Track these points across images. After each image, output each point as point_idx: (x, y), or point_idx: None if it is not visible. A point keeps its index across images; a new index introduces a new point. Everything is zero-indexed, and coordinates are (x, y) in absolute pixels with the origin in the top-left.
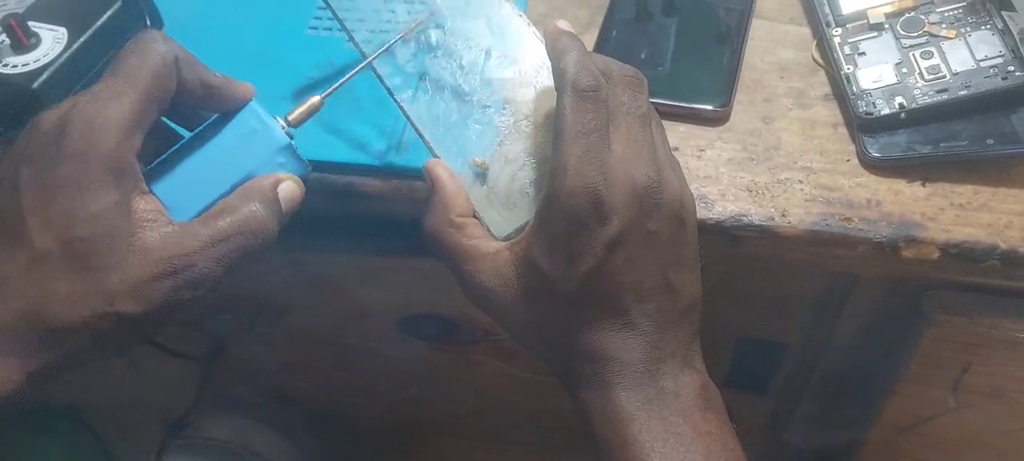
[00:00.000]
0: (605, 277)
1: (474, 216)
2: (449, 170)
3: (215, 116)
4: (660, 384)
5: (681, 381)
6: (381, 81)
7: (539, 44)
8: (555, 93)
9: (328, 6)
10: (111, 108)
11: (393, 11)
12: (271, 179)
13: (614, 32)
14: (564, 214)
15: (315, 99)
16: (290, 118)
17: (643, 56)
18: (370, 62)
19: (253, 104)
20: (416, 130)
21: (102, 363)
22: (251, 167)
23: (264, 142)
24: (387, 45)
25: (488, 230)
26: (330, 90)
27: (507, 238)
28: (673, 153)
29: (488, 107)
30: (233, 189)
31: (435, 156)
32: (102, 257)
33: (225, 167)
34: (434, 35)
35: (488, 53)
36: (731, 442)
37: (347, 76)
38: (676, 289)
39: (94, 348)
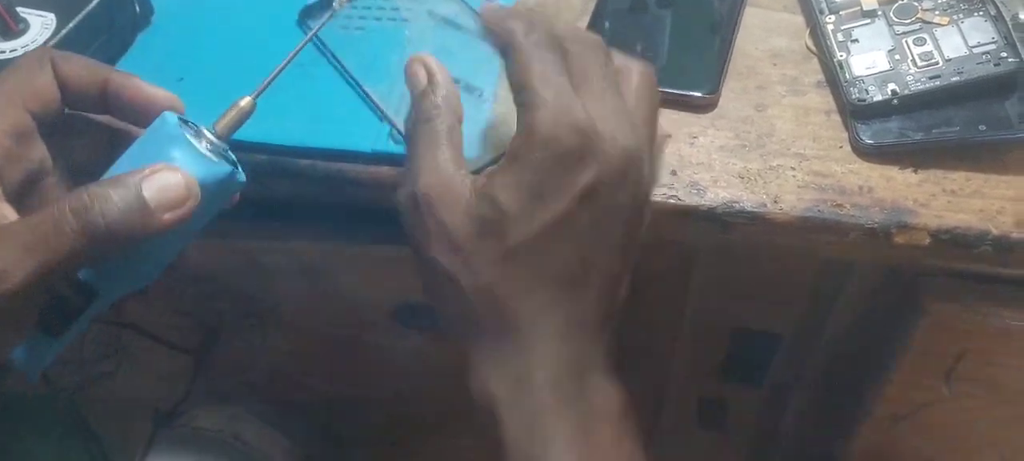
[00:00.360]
0: (564, 233)
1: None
2: (452, 108)
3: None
4: (590, 399)
5: (608, 398)
6: (351, 76)
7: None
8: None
9: None
10: None
11: None
12: (139, 170)
13: (606, 23)
14: (545, 144)
15: (244, 101)
16: (218, 127)
17: (637, 46)
18: (310, 39)
19: (167, 112)
20: (387, 120)
21: None
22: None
23: (160, 136)
24: (324, 20)
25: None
26: (259, 89)
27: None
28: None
29: (480, 77)
30: None
31: (399, 133)
32: None
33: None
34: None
35: (448, 42)
36: None
37: (279, 67)
38: (619, 282)
39: None
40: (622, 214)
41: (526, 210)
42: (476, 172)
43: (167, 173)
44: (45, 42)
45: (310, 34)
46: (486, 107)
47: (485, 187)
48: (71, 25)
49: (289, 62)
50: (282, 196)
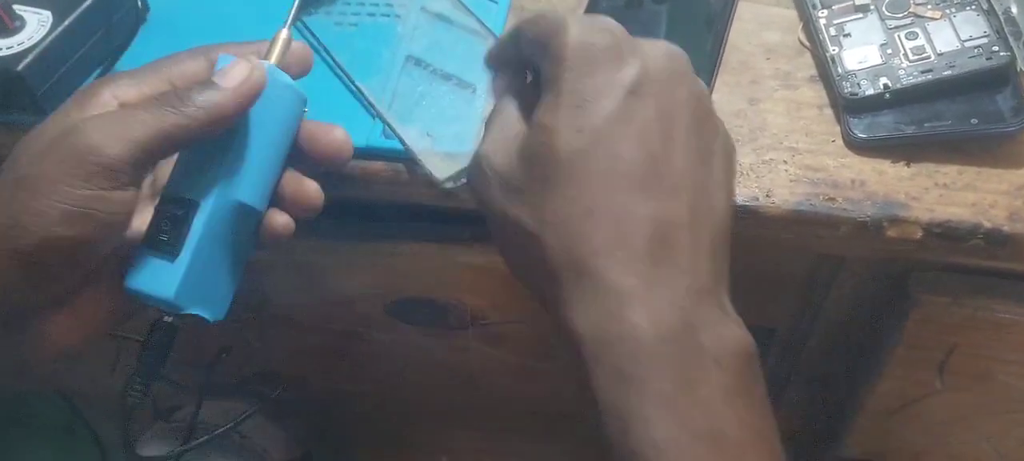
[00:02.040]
0: (623, 128)
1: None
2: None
3: None
4: (698, 338)
5: (724, 339)
6: (340, 68)
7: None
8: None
9: None
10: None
11: None
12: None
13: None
14: (573, 60)
15: (283, 32)
16: (269, 59)
17: (632, 17)
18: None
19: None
20: (376, 112)
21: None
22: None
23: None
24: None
25: (430, 174)
26: (290, 19)
27: (449, 179)
28: None
29: (438, 77)
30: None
31: (397, 138)
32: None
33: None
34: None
35: (442, 35)
36: (778, 447)
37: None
38: (710, 194)
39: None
40: (689, 110)
41: (573, 122)
42: (452, 184)
43: (233, 64)
44: (41, 39)
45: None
46: (479, 104)
47: (532, 121)
48: (67, 22)
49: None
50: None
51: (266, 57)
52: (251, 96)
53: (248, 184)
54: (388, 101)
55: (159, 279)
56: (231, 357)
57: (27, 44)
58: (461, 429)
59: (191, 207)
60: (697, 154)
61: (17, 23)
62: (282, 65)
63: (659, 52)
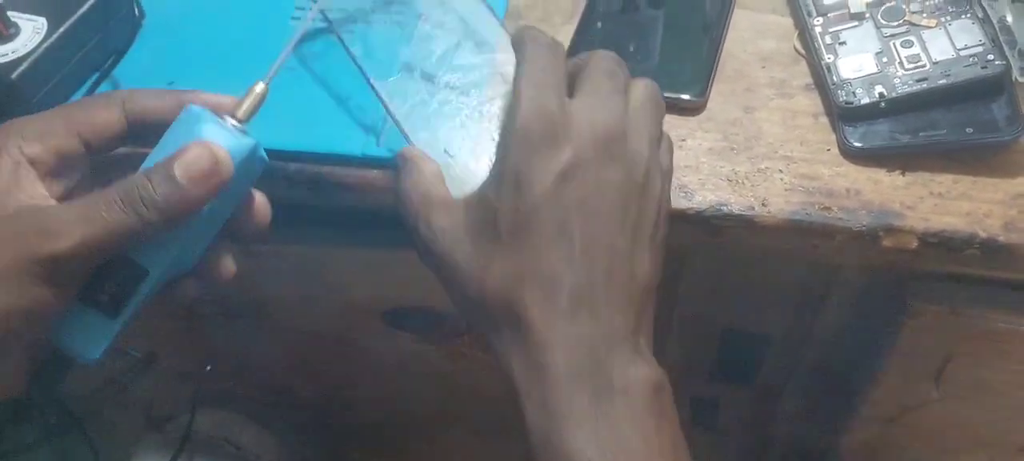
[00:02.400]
0: (550, 213)
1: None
2: (423, 153)
3: None
4: (608, 375)
5: (631, 375)
6: (360, 69)
7: (507, 39)
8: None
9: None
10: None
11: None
12: (172, 156)
13: (598, 23)
14: (516, 143)
15: (258, 86)
16: (238, 113)
17: (629, 46)
18: (317, 13)
19: (190, 106)
20: (392, 117)
21: None
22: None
23: (189, 124)
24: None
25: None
26: (270, 73)
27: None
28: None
29: (454, 89)
30: None
31: (410, 144)
32: None
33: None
34: (410, 23)
35: (459, 44)
36: None
37: (283, 54)
38: (631, 260)
39: None
40: (614, 189)
41: (511, 199)
42: None
43: (197, 149)
44: (36, 46)
45: (316, 8)
46: (475, 109)
47: (474, 196)
48: (63, 28)
49: (297, 43)
50: (270, 199)
51: (237, 111)
52: (215, 190)
53: (199, 253)
54: (405, 111)
55: (91, 337)
56: (226, 365)
57: (21, 52)
58: (456, 436)
59: (141, 275)
60: (620, 226)
61: (12, 30)
62: (245, 114)
63: (595, 134)
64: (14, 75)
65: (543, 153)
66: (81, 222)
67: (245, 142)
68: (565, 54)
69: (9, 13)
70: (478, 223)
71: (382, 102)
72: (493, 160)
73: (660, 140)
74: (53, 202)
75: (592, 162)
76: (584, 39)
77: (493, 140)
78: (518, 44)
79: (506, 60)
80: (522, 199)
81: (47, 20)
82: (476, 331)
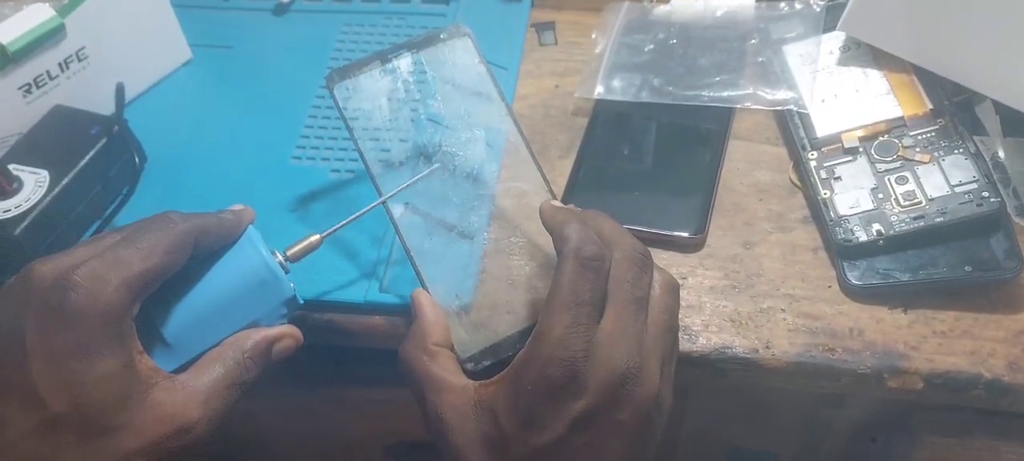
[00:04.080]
0: (559, 454)
1: (450, 346)
2: (431, 300)
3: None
4: None
5: None
6: (390, 216)
7: (532, 165)
8: (539, 219)
9: (352, 137)
10: (118, 275)
11: (399, 123)
12: (268, 336)
13: (598, 130)
14: (536, 379)
15: (314, 238)
16: (289, 254)
17: (623, 151)
18: (384, 201)
19: (259, 247)
20: (409, 258)
21: None
22: (256, 316)
23: (271, 294)
24: (401, 188)
25: (454, 352)
26: (330, 231)
27: (470, 359)
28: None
29: (473, 222)
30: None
31: (423, 285)
32: (113, 418)
33: (231, 314)
34: (430, 142)
35: (481, 167)
36: None
37: (357, 215)
38: None
39: None
40: (622, 430)
41: (521, 433)
42: (472, 366)
43: (290, 340)
44: (39, 200)
45: (383, 198)
46: (477, 252)
47: (487, 401)
48: (65, 181)
49: (362, 215)
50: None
51: (289, 251)
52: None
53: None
54: (419, 246)
55: None
56: None
57: (25, 207)
58: None
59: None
60: (621, 457)
61: (15, 185)
62: (294, 256)
63: (613, 379)
64: (17, 231)
65: (559, 399)
66: (206, 409)
67: (288, 286)
68: (605, 267)
69: (10, 167)
70: (486, 437)
71: (404, 245)
72: (502, 315)
73: (674, 357)
74: (149, 362)
75: (606, 408)
76: (585, 160)
77: (500, 276)
78: (558, 238)
79: (522, 192)
80: (533, 436)
81: (49, 173)
82: None
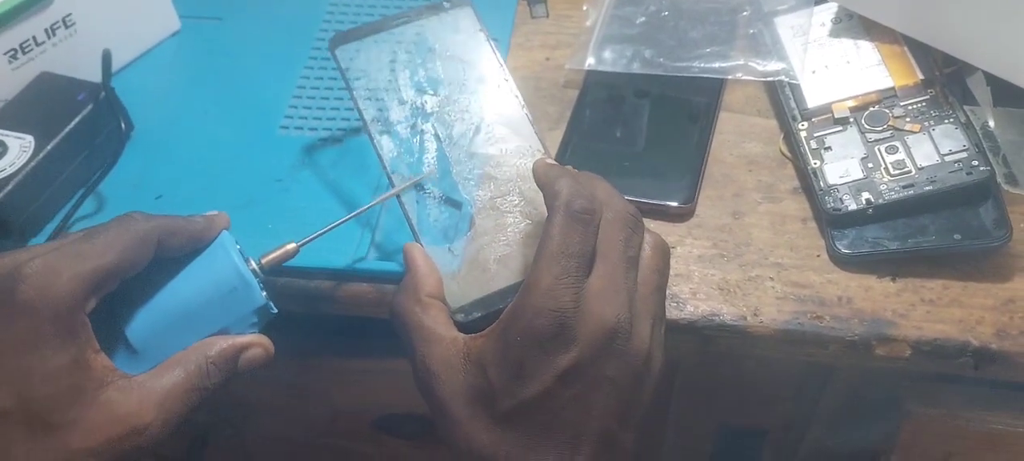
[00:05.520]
0: (547, 407)
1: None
2: (424, 252)
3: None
4: None
5: None
6: (388, 177)
7: (529, 128)
8: (532, 177)
9: (353, 98)
10: (70, 268)
11: (398, 86)
12: (236, 344)
13: (587, 112)
14: (525, 329)
15: (290, 246)
16: (263, 262)
17: (615, 133)
18: (396, 193)
19: (231, 253)
20: (404, 212)
21: None
22: (225, 323)
23: (242, 302)
24: (409, 182)
25: (445, 304)
26: (306, 240)
27: (460, 310)
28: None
29: (468, 181)
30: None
31: (416, 238)
32: (62, 415)
33: (200, 320)
34: (429, 102)
35: (477, 129)
36: None
37: (361, 209)
38: (616, 445)
39: None
40: (611, 385)
41: (510, 385)
42: (462, 317)
43: (259, 350)
44: (24, 165)
45: (390, 193)
46: (470, 210)
47: (475, 353)
48: (50, 146)
49: (355, 216)
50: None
51: (263, 259)
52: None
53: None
54: (413, 203)
55: None
56: None
57: (9, 171)
58: None
59: None
60: (613, 415)
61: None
62: (268, 264)
63: (602, 333)
64: (1, 195)
65: (548, 350)
66: (161, 411)
67: (260, 295)
68: (595, 221)
69: None
70: (475, 389)
71: (399, 201)
72: (493, 269)
73: (664, 319)
74: (105, 360)
75: (594, 361)
76: (575, 131)
77: (492, 230)
78: (549, 194)
79: (519, 151)
80: (521, 387)
81: (34, 138)
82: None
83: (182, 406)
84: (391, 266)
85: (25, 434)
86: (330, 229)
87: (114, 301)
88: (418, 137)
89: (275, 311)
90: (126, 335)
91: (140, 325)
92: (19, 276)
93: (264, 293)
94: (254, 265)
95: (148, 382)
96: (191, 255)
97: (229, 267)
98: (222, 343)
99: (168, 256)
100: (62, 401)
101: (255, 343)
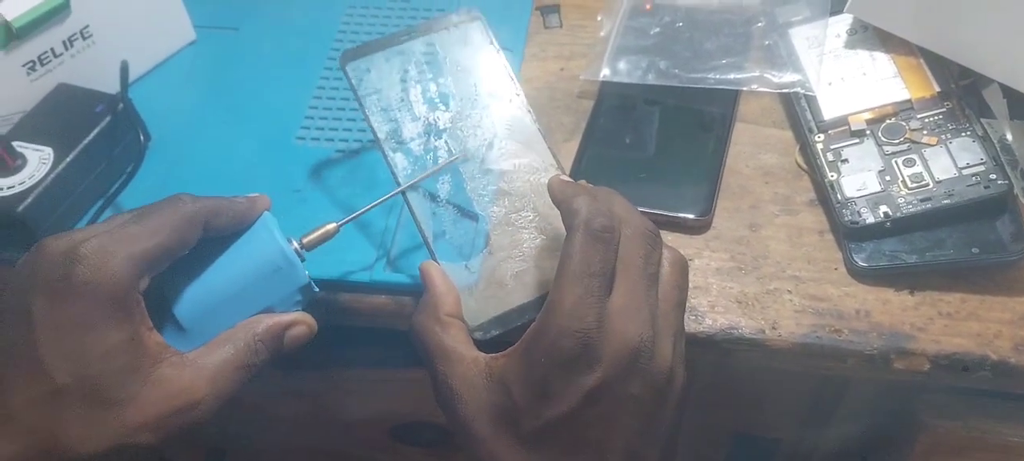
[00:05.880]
0: (572, 427)
1: (461, 317)
2: (441, 271)
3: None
4: None
5: None
6: (403, 194)
7: (542, 143)
8: (547, 193)
9: (364, 114)
10: (124, 248)
11: (410, 101)
12: (281, 322)
13: (601, 120)
14: (549, 350)
15: (331, 226)
16: (305, 242)
17: (625, 140)
18: (403, 190)
19: (274, 234)
20: (420, 231)
21: None
22: (270, 302)
23: (286, 281)
24: (420, 177)
25: (464, 322)
26: (347, 220)
27: (479, 328)
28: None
29: (483, 196)
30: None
31: (433, 257)
32: (118, 391)
33: (245, 299)
34: (441, 118)
35: (490, 144)
36: None
37: (375, 203)
38: (645, 457)
39: None
40: (635, 403)
41: (534, 406)
42: (481, 335)
43: (303, 328)
44: (42, 178)
45: (400, 189)
46: (486, 226)
47: (498, 373)
48: (69, 158)
49: (380, 204)
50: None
51: (305, 238)
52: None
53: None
54: (429, 218)
55: None
56: None
57: (28, 183)
58: None
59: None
60: (637, 434)
61: (18, 162)
62: (310, 244)
63: (626, 351)
64: (20, 208)
65: (573, 370)
66: (213, 387)
67: (303, 274)
68: (615, 239)
69: (14, 143)
70: (498, 408)
71: (413, 216)
72: (511, 286)
73: (684, 334)
74: (158, 338)
75: (619, 380)
76: (590, 142)
77: (508, 247)
78: (567, 212)
79: (532, 168)
80: (546, 408)
81: (53, 150)
82: None
83: (232, 383)
84: (408, 279)
85: (83, 410)
86: (368, 209)
87: (162, 281)
88: (431, 154)
89: (318, 291)
90: (174, 314)
91: (188, 304)
92: (76, 257)
93: (306, 273)
94: (296, 245)
95: (199, 359)
96: (233, 236)
97: (273, 247)
98: (268, 321)
99: (213, 236)
100: (118, 378)
101: (299, 321)
